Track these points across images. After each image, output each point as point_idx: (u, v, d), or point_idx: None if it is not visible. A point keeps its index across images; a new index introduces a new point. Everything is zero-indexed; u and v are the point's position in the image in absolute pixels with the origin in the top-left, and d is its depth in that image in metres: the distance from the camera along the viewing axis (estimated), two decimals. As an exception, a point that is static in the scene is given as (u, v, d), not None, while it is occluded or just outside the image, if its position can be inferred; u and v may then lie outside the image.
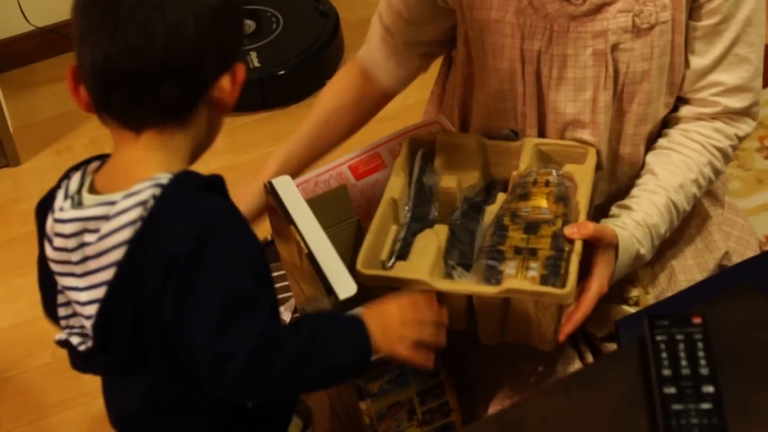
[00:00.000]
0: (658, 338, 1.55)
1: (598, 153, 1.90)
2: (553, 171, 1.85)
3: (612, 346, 1.93)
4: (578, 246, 1.72)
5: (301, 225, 1.80)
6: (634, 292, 1.96)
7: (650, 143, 1.94)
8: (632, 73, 1.85)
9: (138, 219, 1.46)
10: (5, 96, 3.24)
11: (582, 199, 1.81)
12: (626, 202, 1.86)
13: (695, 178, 1.87)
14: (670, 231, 1.87)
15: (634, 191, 1.88)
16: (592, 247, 1.74)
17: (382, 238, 1.85)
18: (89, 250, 1.49)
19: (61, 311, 1.58)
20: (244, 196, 1.99)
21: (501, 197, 1.90)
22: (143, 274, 1.47)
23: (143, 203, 1.46)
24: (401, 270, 1.75)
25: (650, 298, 1.96)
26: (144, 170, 1.50)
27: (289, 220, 1.83)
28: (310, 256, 1.75)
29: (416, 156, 1.98)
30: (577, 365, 1.95)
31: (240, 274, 1.48)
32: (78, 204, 1.52)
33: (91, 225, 1.49)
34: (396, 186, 1.91)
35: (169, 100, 1.48)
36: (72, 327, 1.57)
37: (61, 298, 1.58)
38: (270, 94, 3.27)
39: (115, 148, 1.54)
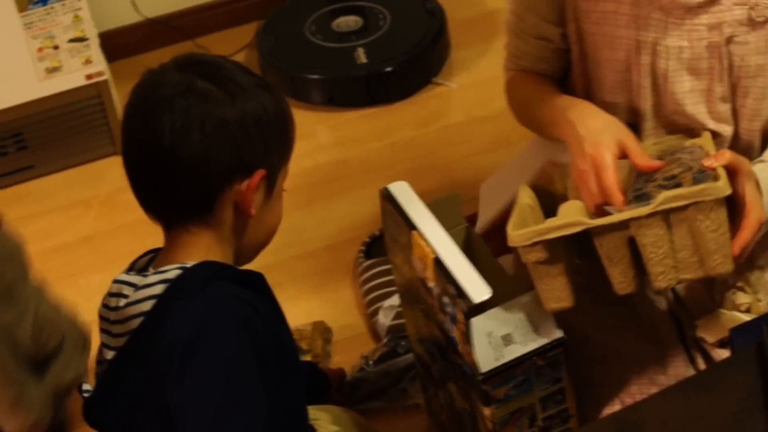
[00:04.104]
0: (777, 344, 1.55)
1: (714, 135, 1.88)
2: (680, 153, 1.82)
3: (723, 353, 1.93)
4: (720, 171, 1.69)
5: (425, 230, 1.83)
6: (745, 299, 1.96)
7: (764, 141, 1.94)
8: (746, 67, 1.85)
9: (159, 295, 1.56)
10: (115, 85, 3.30)
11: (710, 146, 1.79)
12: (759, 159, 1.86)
13: None
14: None
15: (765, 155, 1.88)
16: (734, 177, 1.71)
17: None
18: (117, 315, 1.60)
19: (98, 368, 1.68)
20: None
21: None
22: (152, 347, 1.55)
23: (167, 281, 1.56)
24: (552, 221, 1.71)
25: (762, 306, 1.97)
26: (178, 256, 1.62)
27: (410, 225, 1.86)
28: (438, 261, 1.78)
29: None
30: (688, 370, 1.95)
31: (242, 360, 1.53)
32: (136, 271, 1.65)
33: (126, 290, 1.60)
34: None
35: (182, 197, 1.59)
36: None
37: (98, 356, 1.68)
38: (376, 90, 3.30)
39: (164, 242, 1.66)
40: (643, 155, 1.77)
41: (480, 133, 3.12)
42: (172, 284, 1.56)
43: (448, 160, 3.06)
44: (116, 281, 1.64)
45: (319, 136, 3.25)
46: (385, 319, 2.55)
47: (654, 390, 1.92)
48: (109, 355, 1.62)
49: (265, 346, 1.56)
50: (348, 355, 2.54)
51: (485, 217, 2.25)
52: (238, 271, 1.64)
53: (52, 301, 2.12)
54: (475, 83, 3.33)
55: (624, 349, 1.96)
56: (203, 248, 1.62)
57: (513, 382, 1.81)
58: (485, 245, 1.98)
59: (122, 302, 1.60)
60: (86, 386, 1.68)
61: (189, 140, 1.55)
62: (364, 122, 3.27)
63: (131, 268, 1.68)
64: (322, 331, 2.56)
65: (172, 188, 1.59)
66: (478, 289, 1.74)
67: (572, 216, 1.69)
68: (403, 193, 1.92)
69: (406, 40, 3.35)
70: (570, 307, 1.75)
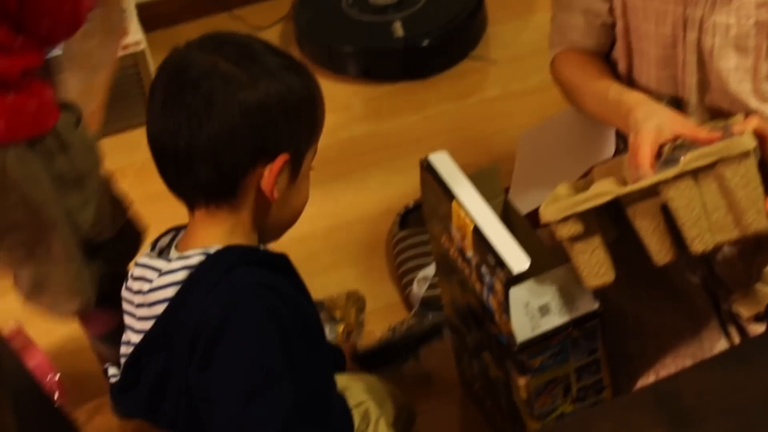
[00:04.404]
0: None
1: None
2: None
3: (758, 328, 1.94)
4: (747, 129, 1.68)
5: (465, 200, 1.84)
6: (782, 275, 1.97)
7: None
8: None
9: (182, 281, 1.55)
10: (151, 55, 3.31)
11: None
12: None
13: None
14: None
15: None
16: (765, 144, 1.71)
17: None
18: (141, 299, 1.60)
19: (122, 348, 1.68)
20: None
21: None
22: (176, 333, 1.55)
23: (190, 268, 1.55)
24: (582, 194, 1.70)
25: (799, 281, 1.97)
26: (201, 239, 1.61)
27: (450, 195, 1.87)
28: (477, 231, 1.79)
29: None
30: (723, 344, 1.96)
31: (266, 351, 1.53)
32: (157, 253, 1.65)
33: (149, 274, 1.60)
34: None
35: (204, 180, 1.57)
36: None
37: (123, 337, 1.68)
38: (412, 63, 3.31)
39: (188, 220, 1.66)
40: (699, 128, 1.77)
41: (517, 108, 3.12)
42: (196, 271, 1.55)
43: (485, 134, 3.07)
44: (138, 264, 1.64)
45: (355, 108, 3.27)
46: (418, 289, 2.56)
47: (689, 363, 1.92)
48: (134, 338, 1.63)
49: (289, 329, 1.56)
50: (379, 324, 2.56)
51: (521, 170, 2.27)
52: (261, 254, 1.63)
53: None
54: (513, 58, 3.33)
55: (660, 322, 1.97)
56: (227, 230, 1.61)
57: (549, 353, 1.82)
58: (523, 217, 1.99)
59: (146, 287, 1.59)
60: (112, 370, 1.68)
61: (210, 124, 1.53)
62: (399, 95, 3.28)
63: (153, 247, 1.68)
64: (356, 300, 2.57)
65: (194, 171, 1.56)
66: (517, 259, 1.75)
67: (602, 187, 1.68)
68: (444, 164, 1.93)
69: (443, 14, 3.36)
70: (611, 282, 1.74)
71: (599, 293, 1.83)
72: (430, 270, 2.56)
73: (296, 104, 1.59)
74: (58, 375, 2.44)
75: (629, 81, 2.03)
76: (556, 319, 1.79)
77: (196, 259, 1.56)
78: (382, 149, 3.09)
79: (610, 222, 1.77)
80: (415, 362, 2.47)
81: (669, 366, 1.95)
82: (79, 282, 2.12)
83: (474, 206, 1.84)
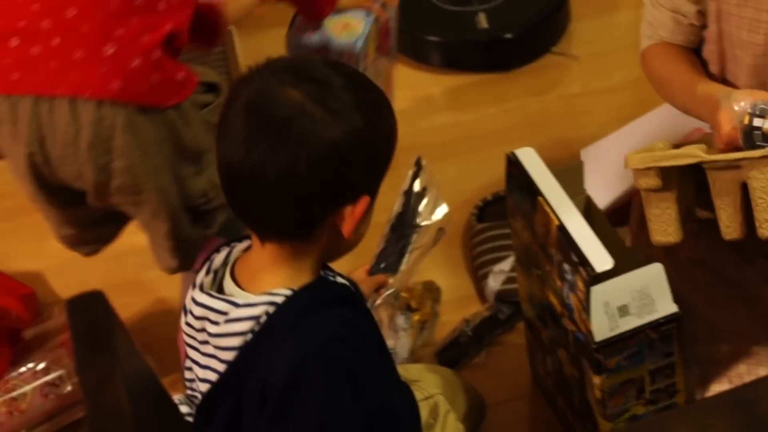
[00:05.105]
0: None
1: None
2: None
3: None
4: None
5: (550, 197, 1.86)
6: None
7: None
8: None
9: (248, 331, 1.54)
10: (238, 35, 3.33)
11: None
12: None
13: None
14: None
15: None
16: None
17: None
18: (206, 337, 1.59)
19: (187, 374, 1.68)
20: None
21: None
22: (246, 384, 1.54)
23: (256, 318, 1.53)
24: (669, 152, 1.72)
25: None
26: (268, 279, 1.57)
27: (535, 191, 1.89)
28: (562, 228, 1.81)
29: None
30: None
31: (336, 403, 1.51)
32: (218, 285, 1.62)
33: (212, 316, 1.58)
34: None
35: (283, 218, 1.53)
36: (194, 390, 1.67)
37: (187, 374, 1.68)
38: (495, 55, 3.31)
39: (252, 245, 1.62)
40: None
41: (597, 105, 3.12)
42: (264, 325, 1.53)
43: (564, 129, 3.07)
44: (198, 304, 1.60)
45: (435, 98, 3.28)
46: (494, 283, 2.58)
47: (763, 371, 1.93)
48: (200, 373, 1.63)
49: (359, 373, 1.54)
50: (453, 316, 2.58)
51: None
52: (326, 295, 1.59)
53: None
54: (595, 55, 3.33)
55: (735, 328, 1.98)
56: (295, 267, 1.57)
57: (625, 353, 1.83)
58: (604, 216, 2.00)
59: (212, 329, 1.57)
60: (184, 408, 1.70)
61: (299, 166, 1.47)
62: (480, 87, 3.29)
63: (208, 270, 1.64)
64: (432, 290, 2.59)
65: (274, 209, 1.52)
66: (600, 259, 1.76)
67: (690, 150, 1.71)
68: (530, 159, 1.94)
69: (527, 8, 3.35)
70: (675, 243, 1.79)
71: (676, 296, 1.83)
72: (506, 264, 2.57)
73: (378, 144, 1.56)
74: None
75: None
76: (635, 320, 1.80)
77: (261, 309, 1.54)
78: (461, 140, 3.09)
79: (691, 188, 1.80)
80: (487, 356, 2.50)
81: (743, 374, 1.95)
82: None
83: (559, 203, 1.85)
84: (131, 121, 2.02)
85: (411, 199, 2.02)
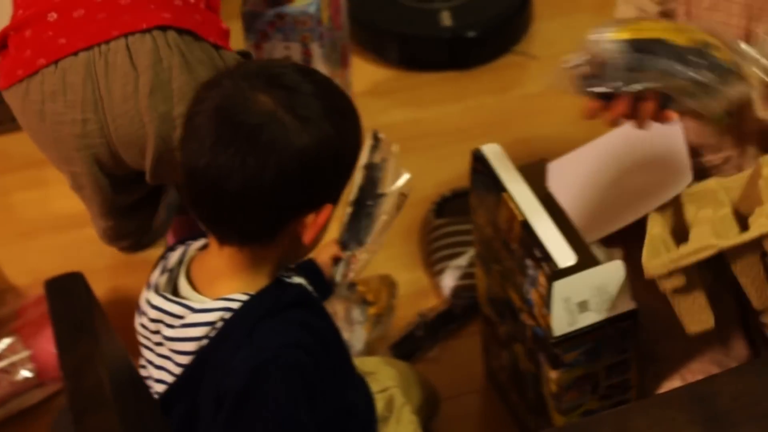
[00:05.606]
0: None
1: None
2: None
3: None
4: None
5: (514, 193, 1.87)
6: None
7: None
8: None
9: (204, 336, 1.54)
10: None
11: None
12: None
13: None
14: None
15: None
16: None
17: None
18: (163, 341, 1.59)
19: (142, 371, 1.67)
20: None
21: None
22: (201, 388, 1.55)
23: (212, 324, 1.53)
24: (685, 247, 1.70)
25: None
26: (225, 284, 1.57)
27: (499, 187, 1.90)
28: (526, 224, 1.82)
29: None
30: (748, 353, 1.97)
31: (291, 412, 1.51)
32: (173, 285, 1.61)
33: (168, 320, 1.58)
34: None
35: (245, 224, 1.52)
36: (149, 387, 1.66)
37: (141, 361, 1.67)
38: (457, 54, 3.33)
39: (209, 245, 1.61)
40: None
41: (556, 106, 3.13)
42: (219, 331, 1.53)
43: (523, 128, 3.09)
44: (154, 306, 1.60)
45: (396, 94, 3.28)
46: (450, 278, 2.60)
47: (715, 369, 1.94)
48: (155, 373, 1.63)
49: (314, 378, 1.54)
50: (409, 310, 2.59)
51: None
52: (282, 301, 1.58)
53: None
54: (555, 55, 3.31)
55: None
56: (253, 272, 1.57)
57: (583, 348, 1.85)
58: (565, 213, 2.01)
59: (167, 332, 1.57)
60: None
61: (267, 173, 1.47)
62: (440, 84, 3.30)
63: (163, 269, 1.64)
64: (388, 284, 2.60)
65: (238, 215, 1.52)
66: (564, 254, 1.78)
67: (705, 239, 1.68)
68: (495, 155, 1.96)
69: (491, 8, 3.37)
70: (711, 328, 1.75)
71: (635, 293, 1.85)
72: (463, 260, 2.59)
73: (345, 152, 1.56)
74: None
75: None
76: (593, 316, 1.82)
77: (217, 315, 1.54)
78: (420, 137, 3.10)
79: (707, 266, 1.76)
80: (442, 350, 2.51)
81: (695, 371, 1.96)
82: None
83: (524, 200, 1.87)
84: (186, 59, 2.00)
85: (372, 172, 2.04)
